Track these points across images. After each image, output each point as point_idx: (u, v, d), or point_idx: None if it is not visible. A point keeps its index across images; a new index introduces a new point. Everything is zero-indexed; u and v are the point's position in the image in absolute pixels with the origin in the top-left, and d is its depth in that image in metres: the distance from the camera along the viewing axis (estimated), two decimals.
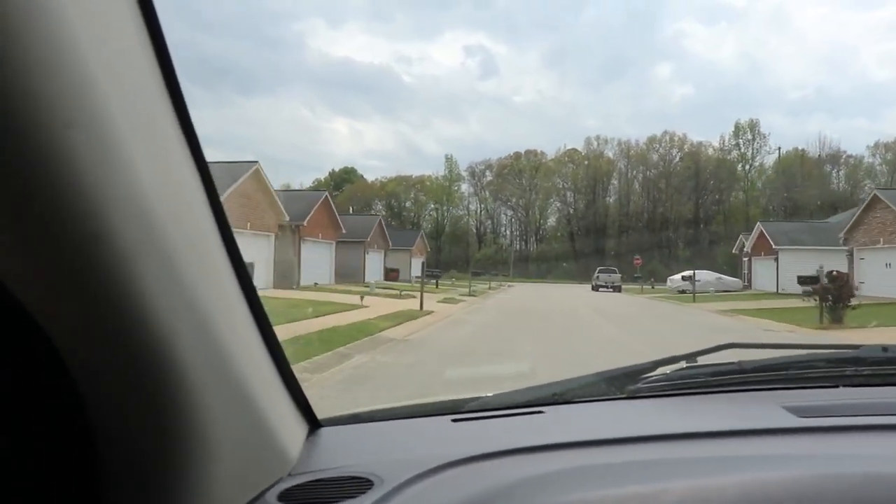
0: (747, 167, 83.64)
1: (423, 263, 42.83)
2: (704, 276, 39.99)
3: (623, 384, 1.34)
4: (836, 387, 1.33)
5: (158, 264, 0.60)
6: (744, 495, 0.83)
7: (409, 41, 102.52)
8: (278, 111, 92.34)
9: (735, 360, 1.36)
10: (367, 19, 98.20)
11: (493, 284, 48.20)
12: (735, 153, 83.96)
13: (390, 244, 50.53)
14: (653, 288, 44.30)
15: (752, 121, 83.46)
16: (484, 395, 1.36)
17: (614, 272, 45.49)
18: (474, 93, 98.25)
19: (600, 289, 43.79)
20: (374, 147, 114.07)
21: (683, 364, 1.38)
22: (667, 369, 1.36)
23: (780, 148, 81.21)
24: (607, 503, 0.85)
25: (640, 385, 1.33)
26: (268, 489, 0.90)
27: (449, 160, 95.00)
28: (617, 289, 43.62)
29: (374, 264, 44.17)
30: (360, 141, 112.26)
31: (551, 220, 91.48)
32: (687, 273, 41.32)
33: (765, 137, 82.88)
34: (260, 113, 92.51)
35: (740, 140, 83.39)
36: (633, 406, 1.30)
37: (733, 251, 48.43)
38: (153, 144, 0.61)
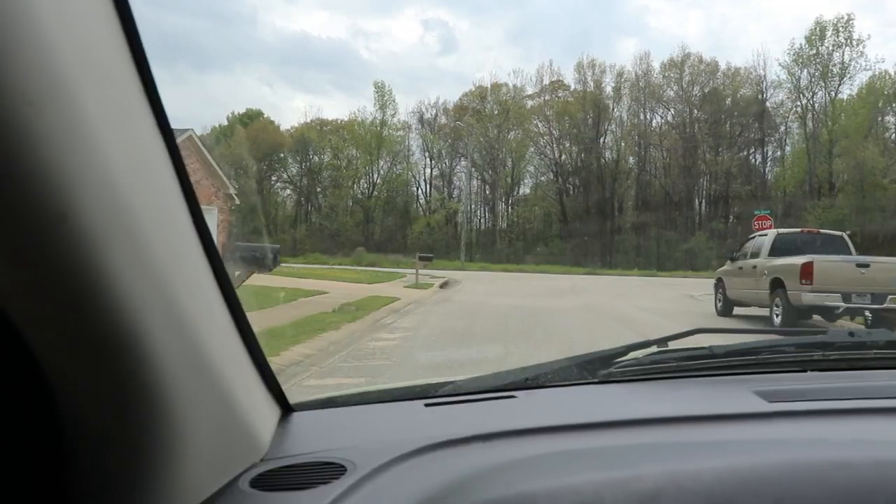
0: (832, 93, 50.10)
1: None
2: None
3: (595, 369, 1.28)
4: (805, 371, 1.30)
5: (127, 246, 0.56)
6: (718, 482, 0.80)
7: (367, 16, 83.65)
8: (237, 89, 76.47)
9: (706, 345, 1.32)
10: None
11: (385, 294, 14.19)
12: (809, 70, 50.29)
13: None
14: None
15: (843, 18, 49.67)
16: (456, 378, 1.29)
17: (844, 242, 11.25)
18: (435, 69, 77.40)
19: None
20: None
21: (655, 349, 1.33)
22: (638, 354, 1.31)
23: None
24: (583, 489, 0.82)
25: (612, 370, 1.28)
26: (240, 475, 0.86)
27: (380, 89, 59.58)
28: None
29: None
30: (322, 118, 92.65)
31: (526, 183, 58.01)
32: None
33: (861, 45, 49.24)
34: (217, 90, 75.14)
35: (819, 48, 49.74)
36: (606, 391, 1.25)
37: None
38: (121, 123, 0.56)
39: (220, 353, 0.75)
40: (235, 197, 24.63)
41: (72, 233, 0.50)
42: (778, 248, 11.24)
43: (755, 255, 11.87)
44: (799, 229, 12.39)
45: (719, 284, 13.16)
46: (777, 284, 10.51)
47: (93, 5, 0.52)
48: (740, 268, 12.24)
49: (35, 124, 0.45)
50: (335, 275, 22.86)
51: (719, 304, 13.12)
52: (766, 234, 12.07)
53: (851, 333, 1.35)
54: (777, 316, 10.35)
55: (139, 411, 0.63)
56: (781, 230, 12.21)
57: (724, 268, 13.17)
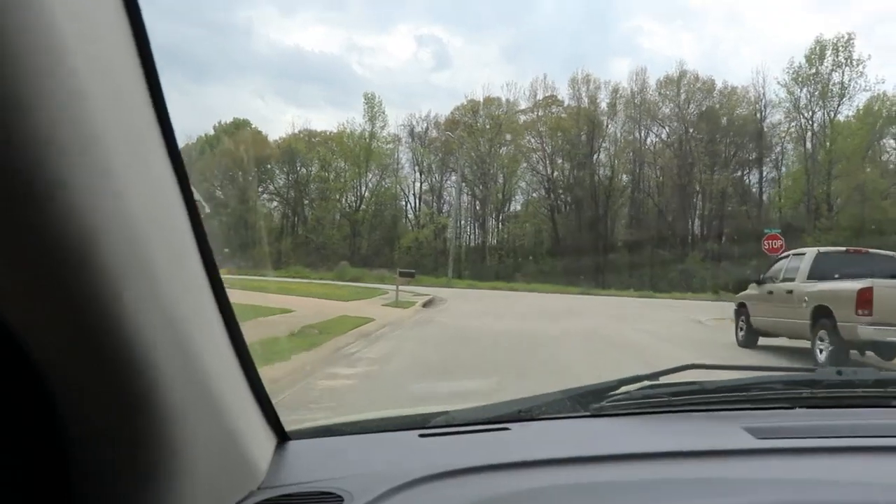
0: (831, 114, 48.73)
1: None
2: None
3: (587, 402, 1.28)
4: (793, 408, 1.31)
5: (140, 275, 0.57)
6: None
7: (362, 31, 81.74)
8: (230, 100, 74.22)
9: (697, 380, 1.33)
10: (320, 9, 77.55)
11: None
12: (808, 90, 48.91)
13: None
14: None
15: (843, 37, 48.47)
16: (451, 409, 1.30)
17: None
18: (428, 85, 75.99)
19: None
20: None
21: (647, 383, 1.34)
22: (630, 388, 1.31)
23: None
24: None
25: (604, 403, 1.28)
26: (239, 503, 0.88)
27: (369, 100, 57.82)
28: None
29: None
30: (310, 129, 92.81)
31: (517, 200, 56.17)
32: None
33: (861, 65, 47.98)
34: (211, 101, 72.97)
35: (819, 67, 48.43)
36: (597, 424, 1.26)
37: None
38: (136, 153, 0.57)
39: (221, 381, 0.76)
40: (205, 204, 22.79)
41: (88, 259, 0.50)
42: (818, 271, 9.41)
43: (789, 277, 10.02)
44: (844, 248, 10.49)
45: (741, 311, 11.31)
46: (822, 314, 8.64)
47: (113, 32, 0.53)
48: (770, 292, 10.37)
49: (58, 152, 0.45)
50: (312, 290, 20.95)
51: (741, 334, 11.26)
52: (802, 254, 10.20)
53: (839, 372, 1.36)
54: (821, 352, 8.52)
55: (141, 435, 0.64)
56: (822, 249, 10.31)
57: (749, 291, 11.30)
